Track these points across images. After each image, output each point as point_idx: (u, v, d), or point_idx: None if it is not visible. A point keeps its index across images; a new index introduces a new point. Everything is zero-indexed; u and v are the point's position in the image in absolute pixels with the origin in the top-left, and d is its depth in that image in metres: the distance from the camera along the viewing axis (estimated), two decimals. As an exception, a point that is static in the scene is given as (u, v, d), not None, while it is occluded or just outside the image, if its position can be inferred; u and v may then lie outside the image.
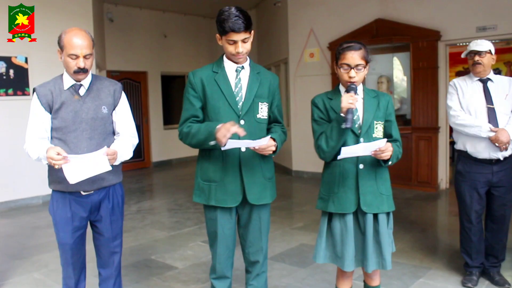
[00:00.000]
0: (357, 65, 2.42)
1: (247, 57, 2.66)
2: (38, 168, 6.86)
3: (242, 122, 2.56)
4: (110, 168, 2.48)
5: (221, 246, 2.71)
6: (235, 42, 2.48)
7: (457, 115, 3.48)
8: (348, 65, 2.42)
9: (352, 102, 2.32)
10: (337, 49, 2.49)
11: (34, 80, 6.81)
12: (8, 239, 5.21)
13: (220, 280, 2.78)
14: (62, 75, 2.65)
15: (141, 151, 10.86)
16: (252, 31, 2.56)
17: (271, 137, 2.52)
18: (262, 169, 2.64)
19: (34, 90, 2.61)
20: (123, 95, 2.78)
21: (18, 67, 6.80)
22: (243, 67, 2.62)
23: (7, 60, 6.69)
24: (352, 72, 2.42)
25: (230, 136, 2.34)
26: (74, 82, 2.61)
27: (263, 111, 2.63)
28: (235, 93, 2.58)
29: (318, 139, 2.52)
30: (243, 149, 2.54)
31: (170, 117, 11.42)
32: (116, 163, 2.60)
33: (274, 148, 2.51)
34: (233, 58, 2.57)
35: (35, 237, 5.24)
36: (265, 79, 2.66)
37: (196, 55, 11.54)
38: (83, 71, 2.54)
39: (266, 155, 2.57)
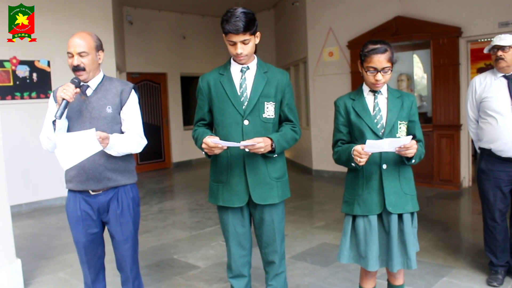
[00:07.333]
0: (383, 68, 2.40)
1: (255, 56, 2.67)
2: (60, 169, 6.95)
3: (246, 122, 2.58)
4: (101, 148, 2.42)
5: (233, 244, 2.75)
6: (234, 43, 2.50)
7: (469, 126, 3.73)
8: (375, 68, 2.41)
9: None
10: (362, 50, 2.47)
11: (56, 83, 6.94)
12: (34, 239, 5.31)
13: (237, 279, 2.81)
14: None
15: (161, 151, 10.96)
16: (258, 33, 2.56)
17: (268, 137, 2.52)
18: (267, 169, 2.63)
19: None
20: (133, 95, 2.71)
21: (41, 71, 6.93)
22: (248, 68, 2.63)
23: (31, 64, 6.82)
24: (379, 75, 2.41)
25: (212, 147, 2.43)
26: (82, 83, 2.61)
27: (269, 110, 2.62)
28: (239, 94, 2.60)
29: (334, 146, 2.63)
30: (247, 150, 2.53)
31: (190, 117, 11.46)
32: (111, 152, 2.55)
33: (262, 148, 2.46)
34: (235, 59, 2.60)
35: (59, 237, 5.33)
36: (272, 78, 2.65)
37: (214, 56, 11.59)
38: (79, 68, 2.54)
39: (270, 156, 2.59)
